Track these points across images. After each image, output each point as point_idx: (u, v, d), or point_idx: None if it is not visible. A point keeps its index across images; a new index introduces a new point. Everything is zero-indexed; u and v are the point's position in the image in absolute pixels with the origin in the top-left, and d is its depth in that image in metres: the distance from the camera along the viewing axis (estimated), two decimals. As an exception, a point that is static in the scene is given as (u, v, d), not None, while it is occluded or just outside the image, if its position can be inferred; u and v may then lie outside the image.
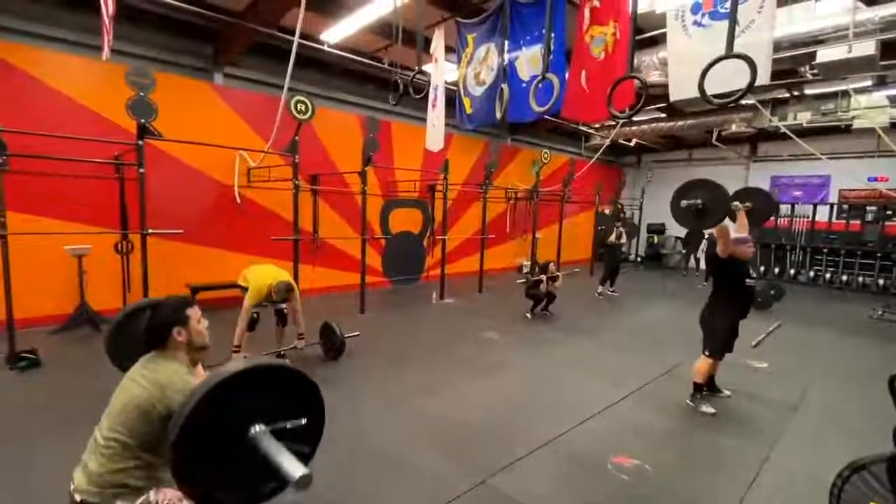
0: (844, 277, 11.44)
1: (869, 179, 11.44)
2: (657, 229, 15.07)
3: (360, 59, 7.35)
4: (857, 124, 8.36)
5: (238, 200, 6.61)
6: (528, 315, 7.22)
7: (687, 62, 3.74)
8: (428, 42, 5.63)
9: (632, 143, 13.05)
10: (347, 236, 7.98)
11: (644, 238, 15.45)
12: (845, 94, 8.31)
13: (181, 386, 1.55)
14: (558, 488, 2.86)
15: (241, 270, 4.61)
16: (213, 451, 1.26)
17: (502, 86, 3.74)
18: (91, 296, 5.57)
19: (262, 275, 4.41)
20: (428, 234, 9.90)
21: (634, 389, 4.46)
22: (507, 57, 5.03)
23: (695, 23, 3.59)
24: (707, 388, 4.22)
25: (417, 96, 4.91)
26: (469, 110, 5.55)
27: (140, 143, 4.54)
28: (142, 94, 4.39)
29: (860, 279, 11.20)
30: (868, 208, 11.31)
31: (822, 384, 4.81)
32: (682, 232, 13.87)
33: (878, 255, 10.80)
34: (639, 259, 15.27)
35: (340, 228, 8.23)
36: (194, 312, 1.75)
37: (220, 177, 6.79)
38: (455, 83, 5.78)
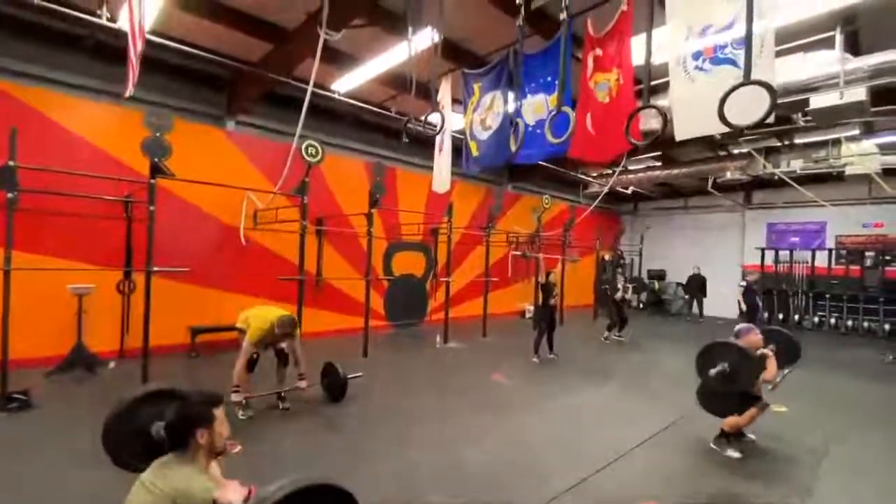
0: (850, 322, 11.35)
1: (864, 225, 11.64)
2: (657, 275, 15.10)
3: (368, 107, 7.62)
4: (849, 170, 8.60)
5: (244, 242, 6.60)
6: (535, 359, 7.03)
7: (690, 105, 3.88)
8: (435, 91, 5.88)
9: (629, 191, 13.33)
10: (351, 277, 7.93)
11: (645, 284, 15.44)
12: (836, 142, 8.59)
13: (199, 492, 1.50)
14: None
15: (243, 312, 4.53)
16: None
17: (518, 120, 3.83)
18: (88, 337, 5.41)
19: (265, 313, 4.34)
20: (431, 276, 9.85)
21: (653, 433, 4.27)
22: (515, 104, 5.23)
23: (696, 68, 3.75)
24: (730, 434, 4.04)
25: (431, 131, 4.96)
26: (475, 153, 5.68)
27: (152, 181, 4.58)
28: (157, 134, 4.48)
29: (865, 324, 11.10)
30: (867, 253, 11.40)
31: (844, 428, 4.64)
32: (682, 278, 13.91)
33: (881, 300, 10.76)
34: (641, 306, 15.17)
35: (344, 271, 8.19)
36: (220, 413, 1.70)
37: (227, 219, 6.82)
38: (461, 131, 5.97)
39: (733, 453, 3.83)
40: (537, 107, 5.06)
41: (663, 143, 9.35)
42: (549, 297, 7.06)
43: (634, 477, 3.44)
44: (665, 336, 10.19)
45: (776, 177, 10.03)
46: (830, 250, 11.86)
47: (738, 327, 4.13)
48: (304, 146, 5.68)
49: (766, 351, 3.96)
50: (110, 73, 5.96)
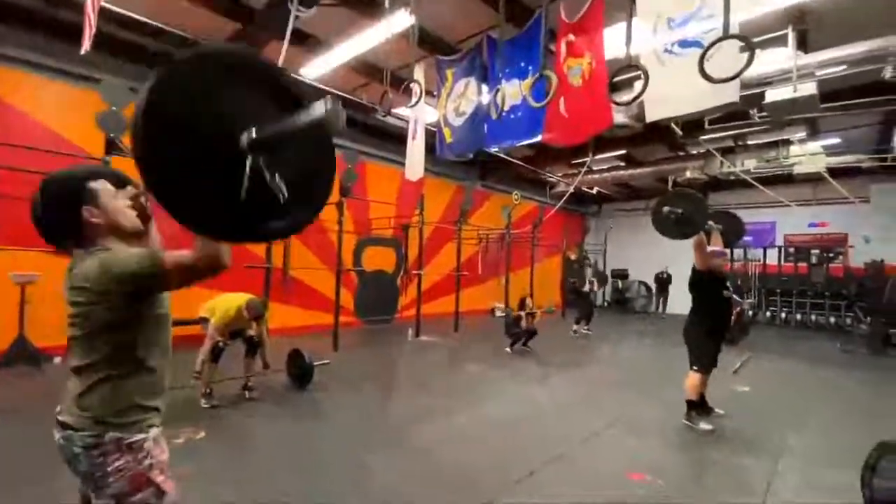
0: (799, 317, 11.99)
1: (810, 225, 12.39)
2: (620, 274, 15.52)
3: (338, 93, 7.45)
4: (798, 170, 9.13)
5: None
6: (509, 350, 7.03)
7: (660, 87, 3.98)
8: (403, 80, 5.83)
9: (593, 191, 13.67)
10: (320, 268, 7.71)
11: (609, 283, 15.83)
12: (785, 142, 9.11)
13: (123, 255, 1.21)
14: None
15: (195, 305, 4.32)
16: (194, 162, 0.98)
17: (498, 89, 3.86)
18: (32, 330, 4.99)
19: (231, 299, 4.15)
20: (402, 273, 9.73)
21: (626, 415, 4.31)
22: (489, 90, 5.24)
23: (666, 50, 3.87)
24: (698, 407, 4.13)
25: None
26: (450, 140, 5.66)
27: (107, 158, 4.30)
28: (114, 108, 4.21)
29: (813, 318, 11.76)
30: (812, 251, 12.12)
31: (803, 403, 4.86)
32: (644, 277, 14.38)
33: (826, 294, 11.45)
34: (606, 303, 15.54)
35: (312, 266, 7.95)
36: (103, 185, 1.31)
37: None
38: (435, 123, 5.93)
39: (705, 426, 3.92)
40: (512, 93, 5.09)
41: (627, 142, 9.67)
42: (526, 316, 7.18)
43: (612, 452, 3.45)
44: (629, 331, 10.45)
45: (731, 177, 10.53)
46: (780, 248, 12.55)
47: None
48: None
49: (712, 224, 4.23)
50: (64, 51, 5.58)
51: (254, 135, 1.02)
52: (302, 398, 4.43)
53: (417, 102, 5.39)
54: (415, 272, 8.30)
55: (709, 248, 3.96)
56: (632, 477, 3.01)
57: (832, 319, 11.41)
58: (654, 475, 3.03)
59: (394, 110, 8.31)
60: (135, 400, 1.28)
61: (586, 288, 9.23)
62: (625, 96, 5.77)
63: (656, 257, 13.96)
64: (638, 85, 3.92)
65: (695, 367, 3.97)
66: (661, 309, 13.66)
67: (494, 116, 3.99)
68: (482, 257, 11.49)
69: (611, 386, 5.42)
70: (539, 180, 13.43)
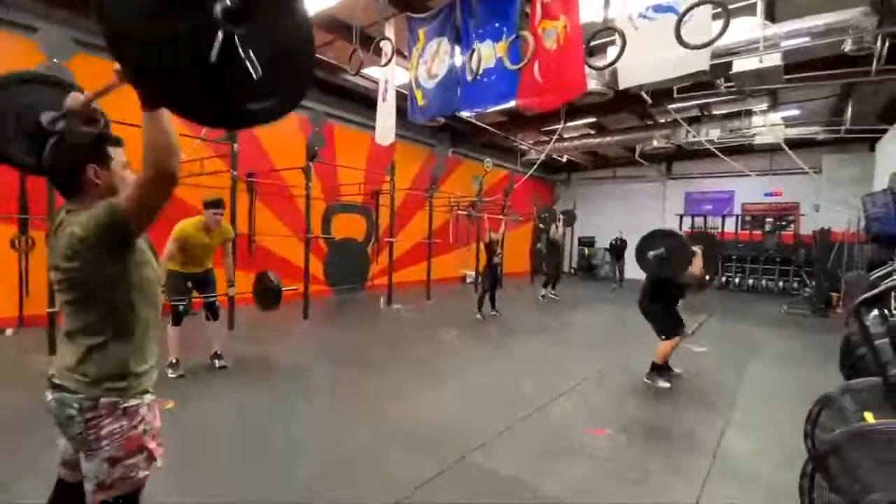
0: (751, 281, 12.68)
1: (766, 194, 12.94)
2: (587, 242, 15.91)
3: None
4: (758, 140, 9.43)
5: (164, 197, 5.99)
6: (478, 316, 7.15)
7: (635, 52, 3.96)
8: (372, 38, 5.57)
9: (563, 159, 13.76)
10: (287, 235, 7.52)
11: (576, 251, 16.22)
12: (748, 113, 9.36)
13: (91, 212, 1.18)
14: (540, 460, 2.74)
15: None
16: (166, 33, 0.93)
17: (472, 51, 3.76)
18: (-24, 301, 4.69)
19: (189, 220, 3.88)
20: (373, 241, 9.62)
21: (589, 376, 4.49)
22: (462, 51, 5.08)
23: (640, 15, 3.83)
24: (662, 369, 4.36)
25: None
26: (421, 102, 5.50)
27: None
28: (55, 60, 3.85)
29: (763, 282, 12.48)
30: (767, 220, 12.72)
31: (755, 362, 5.19)
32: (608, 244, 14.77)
33: (777, 260, 12.13)
34: (573, 270, 15.95)
35: (279, 233, 7.74)
36: (118, 154, 1.34)
37: (139, 168, 6.12)
38: (405, 85, 5.73)
39: (663, 384, 4.15)
40: (486, 55, 4.95)
41: (597, 110, 9.68)
42: (493, 255, 7.16)
43: (576, 410, 3.61)
44: (594, 297, 10.79)
45: (696, 146, 10.79)
46: (737, 216, 13.10)
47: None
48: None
49: (695, 248, 4.30)
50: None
51: (228, 2, 0.96)
52: (274, 367, 4.39)
53: (389, 62, 5.20)
54: (387, 240, 8.20)
55: (696, 273, 4.13)
56: (592, 432, 3.16)
57: (780, 284, 12.14)
58: (613, 430, 3.20)
59: (363, 71, 8.03)
60: (129, 365, 1.28)
61: (552, 233, 9.55)
62: (599, 62, 5.77)
63: (621, 225, 14.35)
64: (612, 51, 3.90)
65: (664, 337, 4.16)
66: (617, 276, 13.27)
67: (470, 79, 3.90)
68: (453, 225, 11.49)
69: (578, 349, 5.63)
70: (510, 148, 13.38)
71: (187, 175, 6.26)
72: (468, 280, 11.95)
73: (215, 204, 3.88)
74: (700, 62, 3.58)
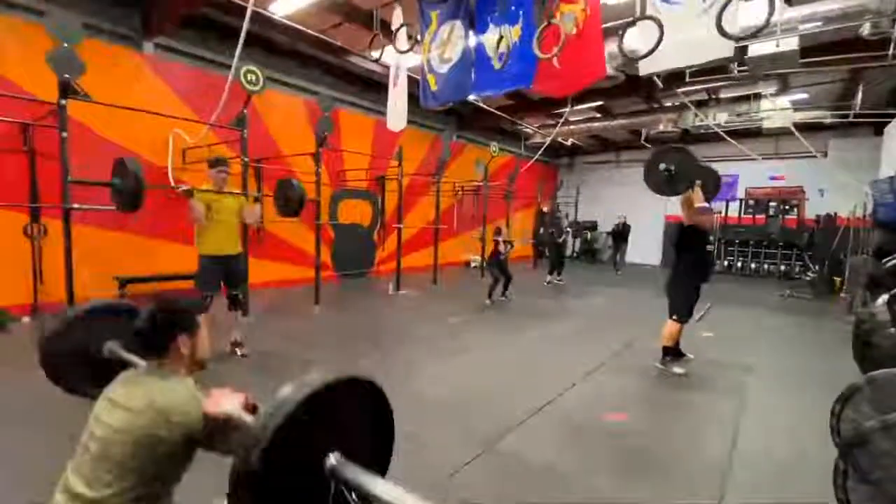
0: (753, 265, 12.76)
1: (770, 178, 12.93)
2: (590, 226, 15.90)
3: (310, 32, 6.92)
4: (766, 125, 9.38)
5: (173, 184, 5.93)
6: (488, 302, 7.20)
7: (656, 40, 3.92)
8: (385, 22, 5.47)
9: (568, 143, 13.66)
10: (295, 221, 7.49)
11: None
12: (756, 97, 9.28)
13: (186, 404, 1.24)
14: (562, 447, 2.81)
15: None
16: (282, 494, 0.98)
17: (486, 35, 3.70)
18: (-9, 289, 4.69)
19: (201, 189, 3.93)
20: (378, 226, 9.60)
21: (603, 362, 4.55)
22: (476, 34, 5.00)
23: (664, 0, 3.76)
24: (672, 353, 4.42)
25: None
26: (434, 87, 5.43)
27: (63, 102, 3.90)
28: (65, 44, 3.77)
29: (765, 266, 12.57)
30: (770, 204, 12.74)
31: (763, 347, 5.28)
32: (611, 228, 14.79)
33: (780, 244, 12.18)
34: (575, 255, 15.99)
35: (287, 220, 7.70)
36: (203, 321, 1.45)
37: (150, 156, 6.06)
38: (416, 69, 5.65)
39: (678, 370, 4.22)
40: (499, 39, 4.88)
41: (604, 93, 9.58)
42: (499, 253, 7.25)
43: (594, 396, 3.66)
44: (598, 281, 10.86)
45: (702, 130, 10.73)
46: (741, 201, 13.11)
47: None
48: (242, 71, 5.09)
49: (697, 182, 4.27)
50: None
51: (335, 461, 1.03)
52: (292, 358, 4.42)
53: (409, 50, 5.09)
54: (395, 226, 8.19)
55: (696, 205, 4.08)
56: (611, 418, 3.23)
57: (782, 268, 12.23)
58: (632, 416, 3.27)
59: (369, 54, 7.90)
60: None
61: (562, 238, 9.57)
62: (611, 45, 5.70)
63: (623, 209, 14.34)
64: (630, 33, 3.84)
65: (674, 317, 4.20)
66: (618, 261, 13.18)
67: (498, 67, 3.83)
68: (458, 210, 11.47)
69: (587, 334, 5.69)
70: (514, 132, 13.28)
71: (196, 161, 6.22)
72: (472, 265, 11.97)
73: (217, 162, 3.91)
74: (725, 48, 3.54)
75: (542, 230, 14.35)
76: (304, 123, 8.01)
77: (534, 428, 3.04)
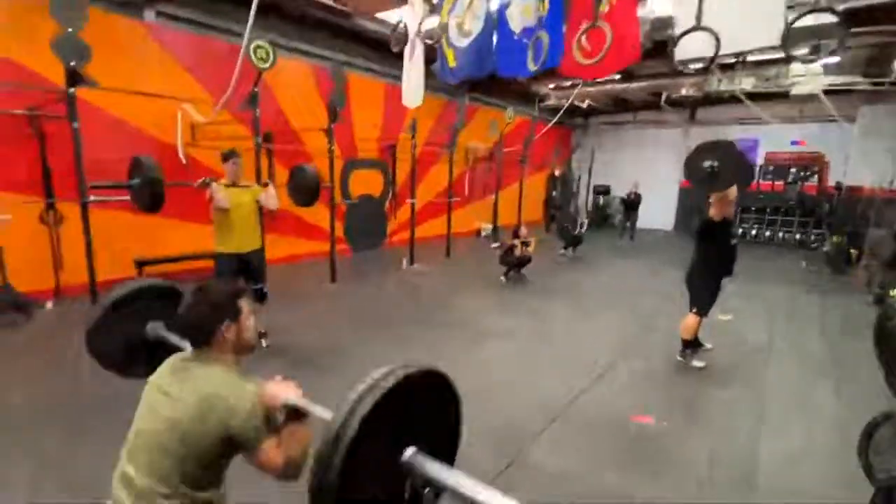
0: (768, 233, 12.59)
1: (792, 143, 12.49)
2: (603, 190, 15.62)
3: None
4: (795, 90, 8.93)
5: (184, 161, 5.82)
6: (503, 279, 7.20)
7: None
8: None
9: (584, 105, 13.16)
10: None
11: (591, 199, 15.98)
12: (786, 60, 8.77)
13: (239, 395, 1.23)
14: (587, 454, 2.87)
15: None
16: (361, 486, 0.97)
17: (509, 5, 3.45)
18: (14, 276, 4.71)
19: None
20: (390, 197, 9.47)
21: (624, 348, 4.59)
22: (496, 5, 4.68)
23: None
24: (692, 346, 4.43)
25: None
26: (452, 63, 5.16)
27: (71, 91, 3.74)
28: (70, 29, 3.57)
29: (781, 234, 12.39)
30: (791, 170, 12.38)
31: (783, 330, 5.29)
32: (625, 193, 14.50)
33: (798, 212, 11.95)
34: (587, 221, 15.80)
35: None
36: (245, 304, 1.40)
37: (158, 133, 5.91)
38: (431, 33, 5.31)
39: (698, 363, 4.24)
40: (525, 9, 4.56)
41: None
42: (514, 248, 7.16)
43: (616, 393, 3.71)
44: (612, 250, 10.79)
45: (726, 94, 10.26)
46: (759, 167, 12.74)
47: None
48: (251, 48, 4.83)
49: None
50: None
51: (411, 455, 1.03)
52: (315, 342, 4.48)
53: (422, 22, 4.80)
54: (408, 201, 8.06)
55: (724, 197, 3.95)
56: (637, 420, 3.28)
57: (798, 236, 12.05)
58: (658, 417, 3.31)
59: (379, 15, 7.47)
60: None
61: (577, 232, 9.52)
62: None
63: (639, 173, 13.99)
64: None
65: (694, 310, 4.18)
66: (629, 231, 12.89)
67: (524, 43, 3.58)
68: (470, 177, 11.25)
69: (607, 314, 5.70)
70: (528, 93, 12.75)
71: (206, 138, 6.07)
72: (483, 234, 11.89)
73: (230, 154, 3.83)
74: (772, 37, 3.29)
75: (554, 194, 14.16)
76: (313, 91, 7.72)
77: (556, 432, 3.10)
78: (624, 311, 5.81)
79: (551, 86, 12.14)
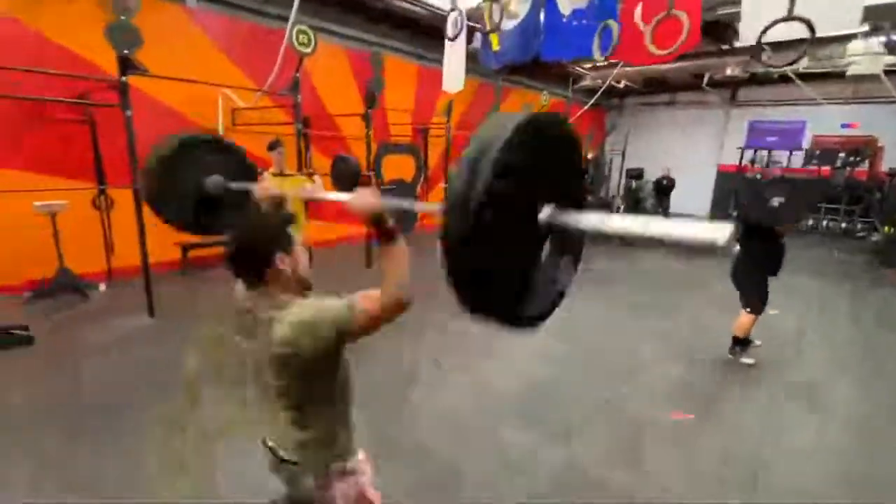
0: (811, 221, 12.06)
1: (842, 126, 11.84)
2: (636, 174, 15.19)
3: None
4: (852, 70, 8.40)
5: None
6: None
7: (772, 7, 3.45)
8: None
9: (621, 85, 12.71)
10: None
11: (622, 184, 15.59)
12: (843, 39, 8.24)
13: (322, 312, 1.15)
14: (626, 449, 2.84)
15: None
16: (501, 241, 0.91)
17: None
18: (70, 260, 4.88)
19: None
20: (422, 180, 9.41)
21: (667, 342, 4.50)
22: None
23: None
24: (742, 343, 4.31)
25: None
26: (496, 47, 5.02)
27: (124, 79, 3.78)
28: (123, 17, 3.59)
29: (825, 223, 11.86)
30: (840, 154, 11.76)
31: (830, 327, 5.13)
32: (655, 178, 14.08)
33: (844, 199, 11.39)
34: (618, 207, 15.46)
35: (333, 177, 7.63)
36: (296, 234, 1.30)
37: (199, 118, 5.97)
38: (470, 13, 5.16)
39: (747, 360, 4.14)
40: (575, -8, 4.38)
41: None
42: None
43: (659, 391, 3.64)
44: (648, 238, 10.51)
45: (775, 75, 9.76)
46: (806, 151, 12.15)
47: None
48: (294, 32, 4.79)
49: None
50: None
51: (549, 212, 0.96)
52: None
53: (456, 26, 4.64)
54: (442, 185, 7.99)
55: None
56: (678, 417, 3.23)
57: (843, 225, 11.52)
58: (698, 415, 3.25)
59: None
60: (344, 429, 1.38)
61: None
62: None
63: (675, 156, 13.54)
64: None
65: (748, 309, 4.05)
66: (661, 215, 12.58)
67: (573, 26, 3.44)
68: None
69: (644, 308, 5.59)
70: (561, 73, 12.37)
71: (246, 123, 6.10)
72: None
73: (276, 143, 3.81)
74: (853, 20, 3.07)
75: (585, 177, 13.82)
76: (348, 74, 7.66)
77: (594, 430, 3.08)
78: (661, 304, 5.69)
79: (587, 66, 11.74)
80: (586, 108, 9.64)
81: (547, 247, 1.02)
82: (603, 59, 4.00)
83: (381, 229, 1.19)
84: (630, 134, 14.74)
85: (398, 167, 9.07)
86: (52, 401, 3.02)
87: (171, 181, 1.68)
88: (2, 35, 4.44)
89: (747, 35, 3.63)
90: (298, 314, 1.16)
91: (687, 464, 2.75)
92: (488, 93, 9.20)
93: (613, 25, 3.70)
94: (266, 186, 1.40)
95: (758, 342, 4.44)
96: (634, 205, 15.00)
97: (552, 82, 12.84)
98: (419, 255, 6.00)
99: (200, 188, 1.71)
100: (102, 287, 5.14)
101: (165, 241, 5.62)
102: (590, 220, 0.92)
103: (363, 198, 1.19)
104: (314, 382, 1.26)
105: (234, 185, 1.67)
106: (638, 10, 3.95)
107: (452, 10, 4.83)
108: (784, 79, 10.26)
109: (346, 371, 1.36)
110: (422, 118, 8.79)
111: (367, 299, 1.17)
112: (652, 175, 14.49)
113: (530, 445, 2.83)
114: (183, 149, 1.73)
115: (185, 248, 5.79)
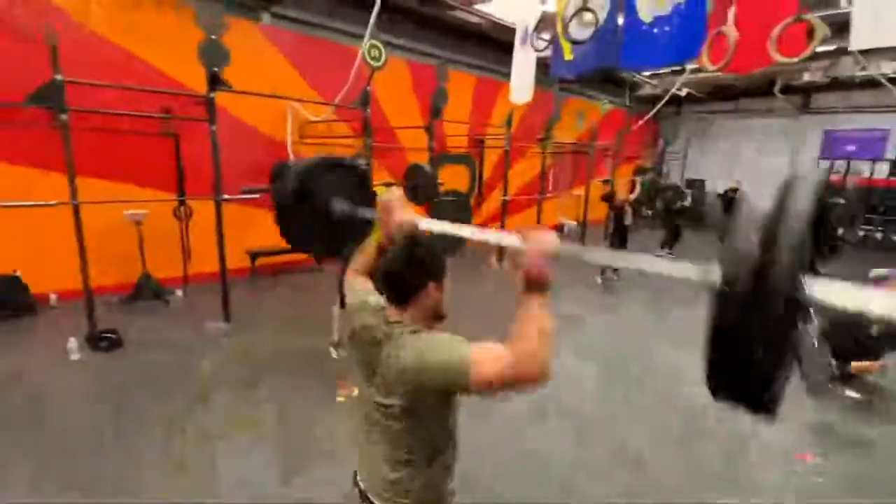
0: (894, 237, 11.05)
1: (934, 133, 10.84)
2: (697, 185, 14.51)
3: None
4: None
5: (292, 158, 6.03)
6: (598, 280, 6.86)
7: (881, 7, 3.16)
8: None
9: (683, 93, 12.21)
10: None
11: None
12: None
13: (456, 359, 1.03)
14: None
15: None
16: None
17: None
18: (152, 266, 5.12)
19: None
20: (476, 192, 9.34)
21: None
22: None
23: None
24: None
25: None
26: (569, 56, 4.88)
27: (212, 95, 3.93)
28: (213, 36, 3.73)
29: (915, 238, 10.83)
30: (932, 164, 10.76)
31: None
32: (722, 188, 13.36)
33: (937, 214, 10.38)
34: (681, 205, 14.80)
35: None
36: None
37: (269, 131, 6.17)
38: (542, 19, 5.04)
39: (853, 394, 3.75)
40: (658, -2, 4.18)
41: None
42: (622, 216, 6.71)
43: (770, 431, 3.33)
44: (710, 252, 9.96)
45: (857, 79, 9.06)
46: (891, 161, 11.18)
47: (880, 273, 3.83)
48: (367, 47, 4.86)
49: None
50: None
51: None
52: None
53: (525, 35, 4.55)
54: (503, 197, 7.89)
55: None
56: (801, 458, 2.93)
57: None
58: (821, 456, 2.95)
59: (476, 6, 7.28)
60: (442, 486, 1.26)
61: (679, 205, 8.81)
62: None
63: (740, 167, 12.84)
64: None
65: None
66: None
67: (654, 34, 3.27)
68: (555, 172, 10.84)
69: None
70: (619, 80, 12.03)
71: (310, 136, 6.26)
72: (565, 230, 11.46)
73: (359, 158, 3.83)
74: None
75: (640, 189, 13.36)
76: (408, 86, 7.72)
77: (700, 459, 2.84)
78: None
79: (646, 73, 11.37)
80: (647, 117, 9.29)
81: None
82: (713, 68, 3.75)
83: (541, 285, 1.02)
84: (689, 144, 14.14)
85: (454, 177, 9.05)
86: (140, 401, 3.12)
87: (303, 212, 1.65)
88: (98, 54, 4.75)
89: (860, 41, 3.33)
90: (420, 347, 1.11)
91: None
92: (545, 101, 9.01)
93: (730, 32, 3.47)
94: (400, 217, 1.31)
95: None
96: (697, 219, 14.32)
97: (607, 91, 12.52)
98: (478, 273, 5.94)
99: (328, 215, 1.65)
100: (179, 293, 5.35)
101: (235, 249, 5.81)
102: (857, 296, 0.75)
103: (539, 241, 1.01)
104: (420, 418, 1.16)
105: (361, 212, 1.60)
106: (730, 16, 3.71)
107: (524, 18, 4.75)
108: (867, 84, 9.51)
109: (451, 419, 1.23)
110: (477, 128, 8.73)
111: (489, 364, 1.00)
112: (711, 186, 13.81)
113: None
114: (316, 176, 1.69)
115: (254, 256, 5.96)
